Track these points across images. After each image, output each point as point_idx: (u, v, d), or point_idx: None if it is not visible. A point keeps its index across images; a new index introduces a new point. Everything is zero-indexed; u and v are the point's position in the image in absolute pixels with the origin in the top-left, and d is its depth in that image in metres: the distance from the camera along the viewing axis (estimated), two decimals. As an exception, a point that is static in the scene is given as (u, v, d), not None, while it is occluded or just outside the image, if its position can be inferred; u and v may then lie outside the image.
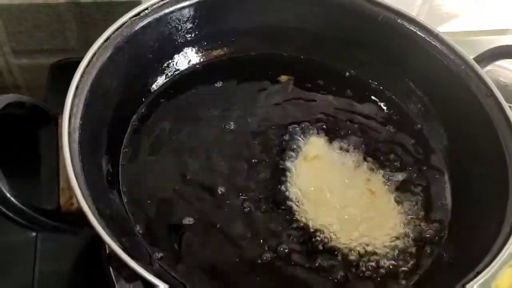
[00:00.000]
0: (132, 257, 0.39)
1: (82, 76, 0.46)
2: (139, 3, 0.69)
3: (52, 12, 0.68)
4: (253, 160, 0.53)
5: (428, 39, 0.56)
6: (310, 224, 0.49)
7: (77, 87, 0.45)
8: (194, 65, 0.60)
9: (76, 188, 0.40)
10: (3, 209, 0.39)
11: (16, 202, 0.39)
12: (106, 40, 0.49)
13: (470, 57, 0.55)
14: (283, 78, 0.59)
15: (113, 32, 0.50)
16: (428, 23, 0.73)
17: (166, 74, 0.58)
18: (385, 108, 0.60)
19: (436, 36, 0.56)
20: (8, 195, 0.38)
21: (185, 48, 0.59)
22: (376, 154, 0.55)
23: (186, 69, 0.59)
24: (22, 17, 0.68)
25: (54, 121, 0.48)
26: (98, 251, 0.51)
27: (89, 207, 0.39)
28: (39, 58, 0.74)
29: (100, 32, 0.71)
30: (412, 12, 0.79)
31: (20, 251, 0.56)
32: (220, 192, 0.50)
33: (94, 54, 0.47)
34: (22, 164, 0.51)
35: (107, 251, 0.49)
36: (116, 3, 0.69)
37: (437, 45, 0.56)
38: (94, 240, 0.51)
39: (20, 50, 0.72)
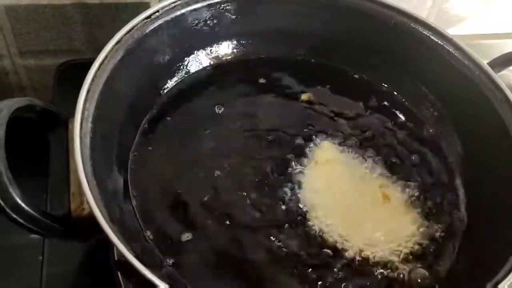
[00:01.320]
0: (144, 264, 0.38)
1: (93, 79, 0.45)
2: (147, 5, 0.69)
3: (59, 13, 0.68)
4: (264, 164, 0.52)
5: (441, 43, 0.56)
6: (321, 228, 0.48)
7: (88, 91, 0.44)
8: (205, 67, 0.59)
9: (88, 193, 0.39)
10: (14, 216, 0.38)
11: (28, 208, 0.38)
12: (117, 43, 0.48)
13: (484, 62, 0.54)
14: (304, 96, 0.58)
15: (124, 35, 0.49)
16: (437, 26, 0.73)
17: (177, 76, 0.57)
18: (397, 112, 0.59)
19: (449, 40, 0.55)
20: (20, 201, 0.38)
21: (196, 50, 0.58)
22: (388, 159, 0.54)
23: (196, 71, 0.59)
24: (29, 18, 0.67)
25: (64, 125, 0.47)
26: (105, 255, 0.51)
27: (101, 212, 0.39)
28: (44, 59, 0.73)
29: (107, 33, 0.70)
30: (421, 15, 0.79)
31: (28, 253, 0.56)
32: (230, 197, 0.49)
33: (106, 57, 0.47)
34: (31, 168, 0.50)
35: (116, 257, 0.49)
36: (124, 4, 0.68)
37: (450, 49, 0.55)
38: (102, 243, 0.51)
39: (26, 51, 0.72)
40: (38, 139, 0.48)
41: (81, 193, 0.42)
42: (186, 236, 0.47)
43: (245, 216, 0.48)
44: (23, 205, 0.38)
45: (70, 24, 0.69)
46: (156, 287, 0.37)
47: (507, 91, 0.51)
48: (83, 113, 0.43)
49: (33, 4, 0.66)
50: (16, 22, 0.67)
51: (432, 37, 0.56)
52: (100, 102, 0.45)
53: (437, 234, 0.50)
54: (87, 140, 0.42)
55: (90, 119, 0.44)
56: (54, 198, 0.49)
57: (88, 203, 0.39)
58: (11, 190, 0.37)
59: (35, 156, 0.50)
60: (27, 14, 0.67)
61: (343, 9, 0.59)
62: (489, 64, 0.55)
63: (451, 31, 0.82)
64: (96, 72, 0.46)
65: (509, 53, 0.55)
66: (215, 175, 0.51)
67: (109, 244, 0.40)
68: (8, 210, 0.38)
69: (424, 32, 0.57)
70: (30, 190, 0.41)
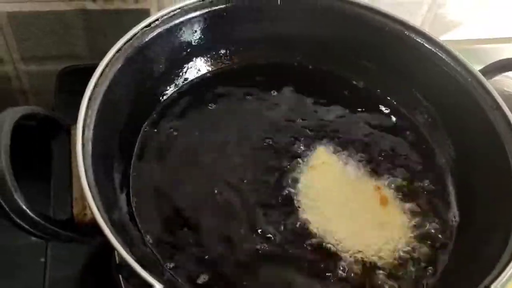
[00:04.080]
0: (145, 268, 0.39)
1: (95, 87, 0.46)
2: (147, 11, 0.70)
3: (60, 19, 0.69)
4: (261, 170, 0.53)
5: (434, 50, 0.57)
6: (318, 232, 0.49)
7: (90, 99, 0.45)
8: (204, 74, 0.60)
9: (90, 199, 0.40)
10: (19, 221, 0.39)
11: (32, 214, 0.39)
12: (117, 51, 0.49)
13: (476, 69, 0.55)
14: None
15: (125, 43, 0.50)
16: (433, 31, 0.73)
17: (176, 84, 0.58)
18: (392, 118, 0.60)
19: (442, 47, 0.56)
20: (24, 207, 0.39)
21: (194, 57, 0.59)
22: (383, 163, 0.55)
23: (195, 78, 0.59)
24: (31, 24, 0.68)
25: (65, 131, 0.48)
26: (107, 258, 0.52)
27: (103, 218, 0.40)
28: (46, 64, 0.74)
29: (107, 39, 0.72)
30: (417, 20, 0.80)
31: (31, 256, 0.57)
32: (228, 202, 0.50)
33: (107, 65, 0.48)
34: (33, 174, 0.51)
35: (117, 261, 0.50)
36: (124, 11, 0.69)
37: (443, 56, 0.56)
38: (103, 247, 0.53)
39: (28, 57, 0.73)
40: (40, 145, 0.49)
41: (83, 198, 0.43)
42: (187, 241, 0.47)
43: (242, 220, 0.49)
44: (27, 211, 0.39)
45: (71, 30, 0.70)
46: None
47: (498, 98, 0.52)
48: (85, 120, 0.44)
49: (35, 11, 0.67)
50: (19, 28, 0.69)
51: (426, 44, 0.57)
52: (101, 109, 0.46)
53: (429, 237, 0.51)
54: (89, 147, 0.43)
55: (92, 126, 0.44)
56: (57, 204, 0.51)
57: (90, 208, 0.40)
58: (16, 196, 0.38)
59: (36, 162, 0.51)
60: (29, 20, 0.68)
61: (340, 16, 0.60)
62: (481, 71, 0.56)
63: (447, 36, 0.83)
64: (97, 80, 0.47)
65: (501, 60, 0.56)
66: (215, 181, 0.51)
67: (111, 248, 0.41)
68: (12, 215, 0.39)
69: (417, 39, 0.57)
70: (31, 194, 0.42)
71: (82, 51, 0.73)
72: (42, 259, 0.56)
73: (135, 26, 0.52)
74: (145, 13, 0.69)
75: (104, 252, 0.52)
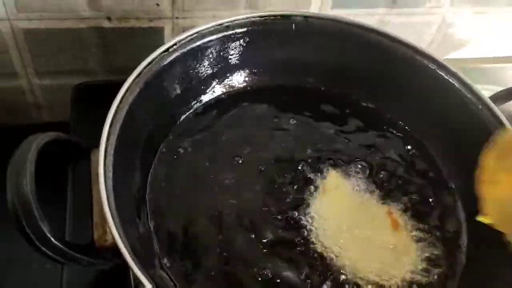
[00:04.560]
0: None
1: (115, 113, 0.47)
2: (161, 30, 0.71)
3: (75, 36, 0.70)
4: (273, 193, 0.54)
5: (445, 76, 0.57)
6: (330, 255, 0.50)
7: (110, 125, 0.46)
8: (218, 95, 0.61)
9: (112, 224, 0.41)
10: (42, 248, 0.40)
11: (56, 242, 0.40)
12: (137, 76, 0.50)
13: (484, 86, 0.56)
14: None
15: (144, 68, 0.51)
16: (442, 50, 0.74)
17: (192, 106, 0.59)
18: (403, 142, 0.61)
19: (453, 74, 0.57)
20: (49, 235, 0.39)
21: (210, 80, 0.60)
22: (394, 187, 0.56)
23: (210, 99, 0.60)
24: (46, 41, 0.69)
25: (85, 154, 0.49)
26: (122, 276, 0.52)
27: (123, 242, 0.41)
28: (60, 79, 0.75)
29: (121, 56, 0.73)
30: (426, 39, 0.81)
31: (47, 277, 0.58)
32: (242, 227, 0.51)
33: (127, 90, 0.49)
34: (47, 196, 0.51)
35: (133, 283, 0.51)
36: (138, 29, 0.70)
37: (454, 82, 0.57)
38: (118, 266, 0.53)
39: (42, 71, 0.74)
40: (58, 168, 0.50)
41: (103, 223, 0.44)
42: (203, 266, 0.48)
43: (256, 246, 0.50)
44: (52, 239, 0.40)
45: (86, 47, 0.71)
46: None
47: (507, 124, 0.53)
48: (106, 145, 0.45)
49: (51, 28, 0.68)
50: (34, 44, 0.69)
51: (437, 70, 0.58)
52: (121, 134, 0.47)
53: (441, 261, 0.51)
54: (110, 172, 0.44)
55: (112, 152, 0.45)
56: (73, 227, 0.51)
57: (111, 233, 0.41)
58: (40, 224, 0.39)
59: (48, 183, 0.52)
60: (44, 37, 0.69)
61: (351, 40, 0.61)
62: (493, 96, 0.57)
63: (455, 55, 0.84)
64: (118, 105, 0.47)
65: (511, 87, 0.57)
66: (230, 205, 0.52)
67: (126, 268, 0.42)
68: (37, 242, 0.40)
69: (428, 64, 0.58)
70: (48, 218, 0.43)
71: (95, 67, 0.74)
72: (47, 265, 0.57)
73: (147, 43, 0.53)
74: (159, 32, 0.70)
75: (118, 270, 0.53)
